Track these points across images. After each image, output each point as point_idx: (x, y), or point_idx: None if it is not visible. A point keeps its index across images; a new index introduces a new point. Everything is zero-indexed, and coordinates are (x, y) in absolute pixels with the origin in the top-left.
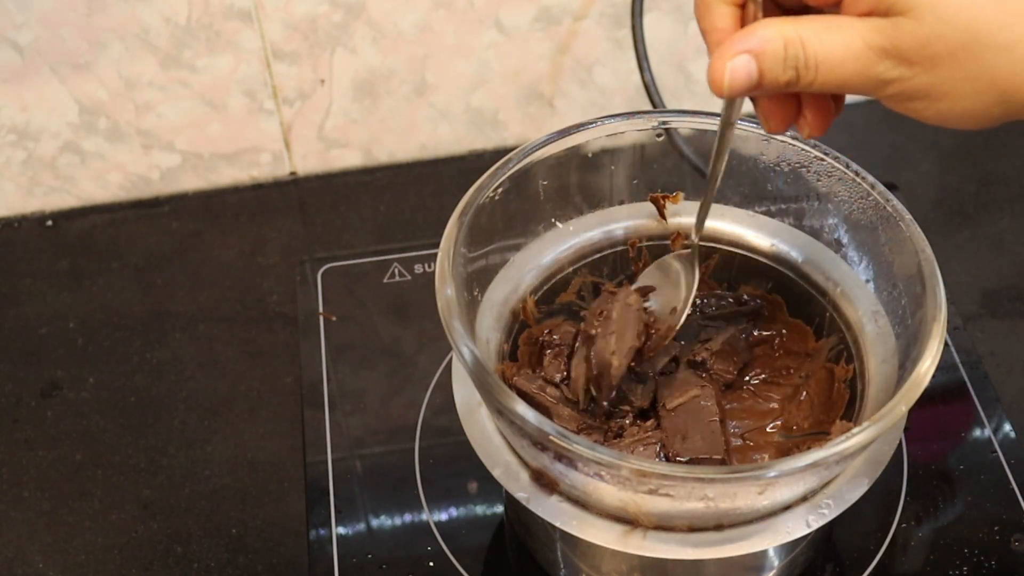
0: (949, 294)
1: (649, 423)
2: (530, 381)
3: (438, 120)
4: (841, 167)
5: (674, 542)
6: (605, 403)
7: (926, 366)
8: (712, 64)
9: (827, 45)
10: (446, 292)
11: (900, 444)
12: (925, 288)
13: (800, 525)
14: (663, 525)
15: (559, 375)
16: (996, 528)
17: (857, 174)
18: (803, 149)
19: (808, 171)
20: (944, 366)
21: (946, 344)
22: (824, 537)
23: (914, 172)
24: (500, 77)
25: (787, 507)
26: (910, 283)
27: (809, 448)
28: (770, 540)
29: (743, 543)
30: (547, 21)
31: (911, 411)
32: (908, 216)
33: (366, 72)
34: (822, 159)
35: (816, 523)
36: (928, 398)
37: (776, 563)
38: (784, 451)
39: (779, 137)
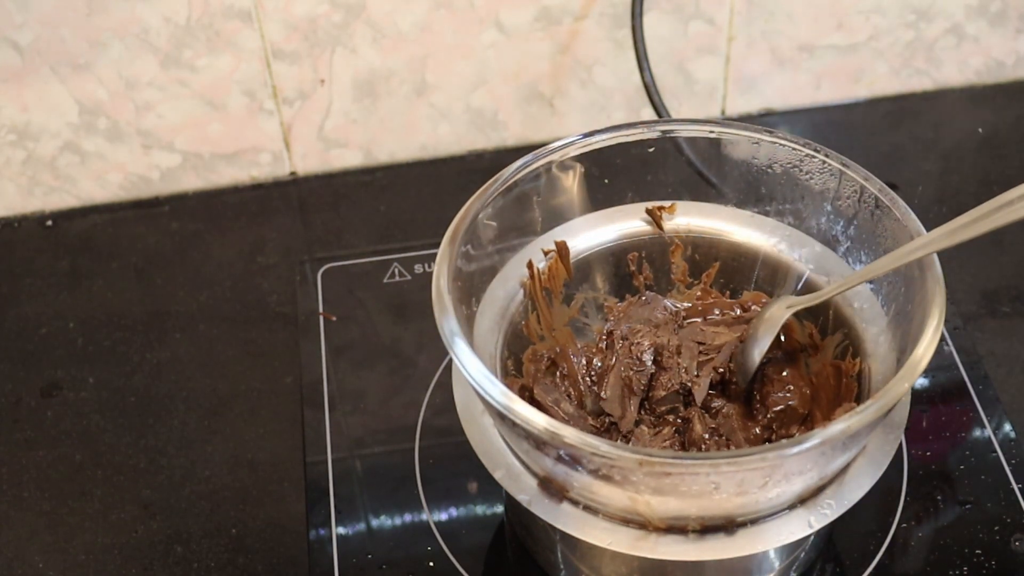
0: (949, 294)
1: (666, 431)
2: (547, 392)
3: (438, 120)
4: (832, 162)
5: (680, 543)
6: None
7: (926, 343)
8: None
9: None
10: (447, 323)
11: (900, 444)
12: (923, 269)
13: (802, 526)
14: (674, 526)
15: (572, 392)
16: (996, 528)
17: (848, 167)
18: (794, 148)
19: (800, 170)
20: (944, 366)
21: (946, 344)
22: (824, 537)
23: (914, 172)
24: (500, 77)
25: (789, 508)
26: (908, 268)
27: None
28: (773, 541)
29: (747, 544)
30: (547, 21)
31: (911, 411)
32: (902, 204)
33: (366, 72)
34: (813, 156)
35: (818, 524)
36: (928, 398)
37: (777, 564)
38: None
39: (768, 138)
